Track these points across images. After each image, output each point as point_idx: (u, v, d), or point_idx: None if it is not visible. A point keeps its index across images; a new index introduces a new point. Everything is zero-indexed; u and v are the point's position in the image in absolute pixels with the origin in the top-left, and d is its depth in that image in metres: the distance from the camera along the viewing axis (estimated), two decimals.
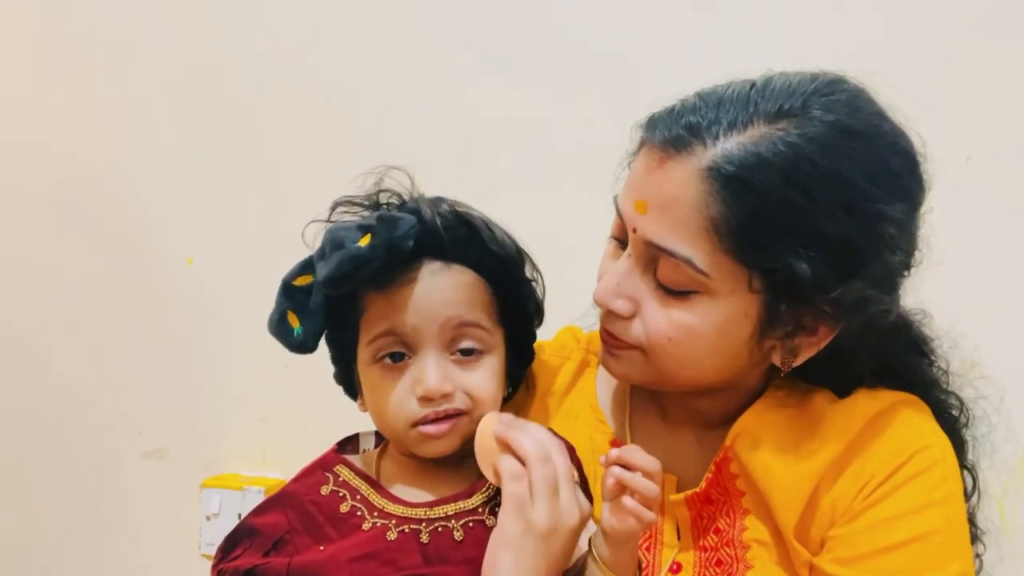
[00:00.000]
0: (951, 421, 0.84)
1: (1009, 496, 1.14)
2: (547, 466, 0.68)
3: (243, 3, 1.52)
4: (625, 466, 0.69)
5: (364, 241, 0.71)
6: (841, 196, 0.69)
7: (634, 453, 0.70)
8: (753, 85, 0.73)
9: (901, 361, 0.82)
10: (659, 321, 0.74)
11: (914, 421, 0.78)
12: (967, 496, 0.85)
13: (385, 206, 0.79)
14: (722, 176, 0.68)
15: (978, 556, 0.87)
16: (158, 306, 1.60)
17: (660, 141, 0.72)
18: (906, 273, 0.77)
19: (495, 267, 0.78)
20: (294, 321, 0.76)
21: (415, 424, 0.74)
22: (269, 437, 1.56)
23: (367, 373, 0.77)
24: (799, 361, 0.76)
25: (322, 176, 1.48)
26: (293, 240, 1.49)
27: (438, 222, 0.75)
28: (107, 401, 1.64)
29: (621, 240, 0.79)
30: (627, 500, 0.69)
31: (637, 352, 0.77)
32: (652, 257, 0.73)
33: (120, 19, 1.58)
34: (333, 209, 0.80)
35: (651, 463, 0.70)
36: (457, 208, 0.79)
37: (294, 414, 1.51)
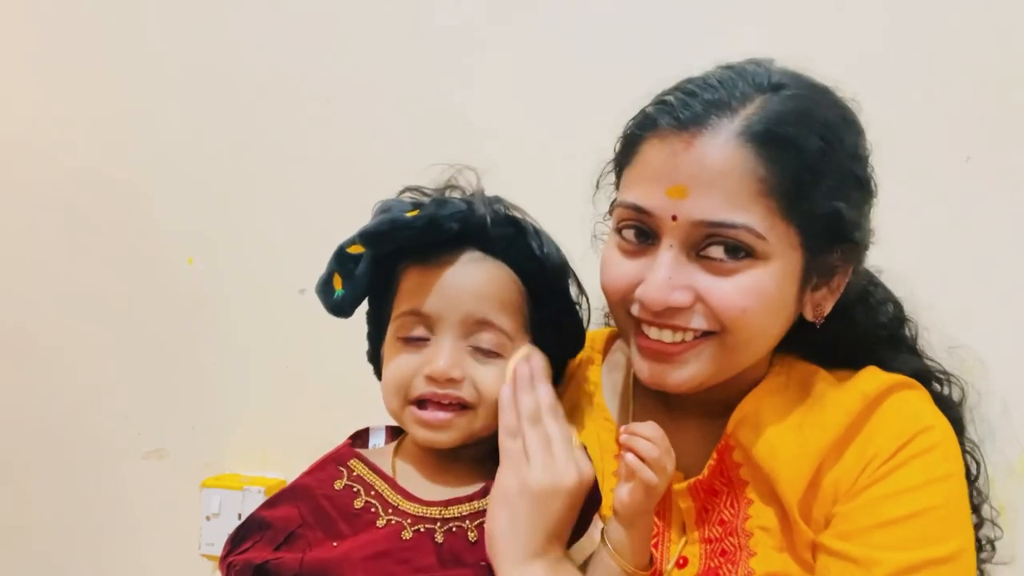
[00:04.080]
0: (942, 392, 0.87)
1: (1010, 497, 1.14)
2: (537, 427, 0.71)
3: (243, 4, 1.52)
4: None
5: (412, 213, 0.74)
6: (846, 139, 0.75)
7: (640, 424, 0.73)
8: (727, 67, 0.77)
9: (880, 310, 0.88)
10: (728, 294, 0.73)
11: (914, 403, 0.80)
12: (973, 476, 0.86)
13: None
14: (759, 136, 0.71)
15: (990, 541, 0.88)
16: (158, 306, 1.59)
17: (679, 124, 0.73)
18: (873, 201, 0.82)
19: (535, 271, 0.79)
20: (338, 284, 0.79)
21: (411, 401, 0.74)
22: (269, 437, 1.56)
23: (389, 348, 0.78)
24: (827, 311, 0.79)
25: (322, 175, 1.49)
26: (293, 239, 1.50)
27: (487, 216, 0.77)
28: (107, 401, 1.63)
29: (635, 225, 0.76)
30: (627, 455, 0.71)
31: (709, 342, 0.76)
32: (701, 237, 0.73)
33: (120, 19, 1.58)
34: (401, 193, 0.82)
35: (652, 429, 0.73)
36: (511, 210, 0.80)
37: (294, 414, 1.51)
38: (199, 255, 1.58)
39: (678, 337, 0.76)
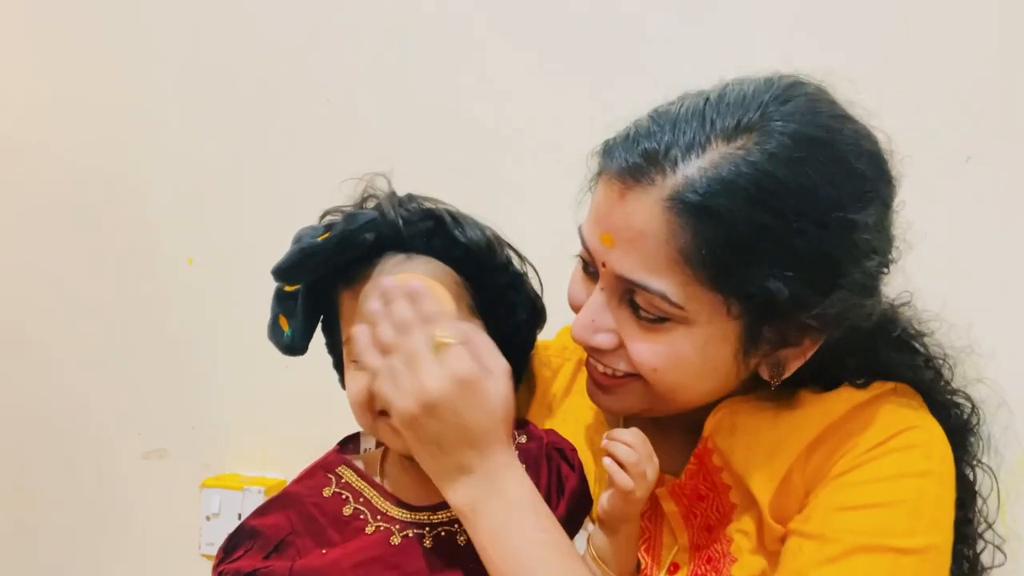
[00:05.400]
0: (958, 419, 0.83)
1: (1010, 497, 1.14)
2: (390, 353, 0.66)
3: (243, 4, 1.52)
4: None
5: (322, 237, 0.73)
6: (811, 210, 0.66)
7: (622, 430, 0.72)
8: (707, 99, 0.70)
9: (886, 360, 0.80)
10: (641, 352, 0.72)
11: (901, 407, 0.76)
12: (979, 496, 0.84)
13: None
14: (686, 206, 0.66)
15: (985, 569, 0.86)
16: (158, 306, 1.60)
17: (618, 171, 0.70)
18: (885, 271, 0.75)
19: (462, 256, 0.77)
20: (284, 324, 0.78)
21: (380, 415, 0.74)
22: (269, 437, 1.56)
23: (347, 371, 0.77)
24: (788, 373, 0.74)
25: (322, 176, 1.49)
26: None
27: (399, 216, 0.75)
28: (107, 401, 1.64)
29: (588, 262, 0.77)
30: (605, 460, 0.70)
31: (636, 381, 0.75)
32: (626, 289, 0.72)
33: (120, 19, 1.58)
34: (322, 219, 0.80)
35: (634, 436, 0.71)
36: (424, 204, 0.78)
37: (294, 414, 1.51)
38: (199, 255, 1.58)
39: (608, 371, 0.76)
